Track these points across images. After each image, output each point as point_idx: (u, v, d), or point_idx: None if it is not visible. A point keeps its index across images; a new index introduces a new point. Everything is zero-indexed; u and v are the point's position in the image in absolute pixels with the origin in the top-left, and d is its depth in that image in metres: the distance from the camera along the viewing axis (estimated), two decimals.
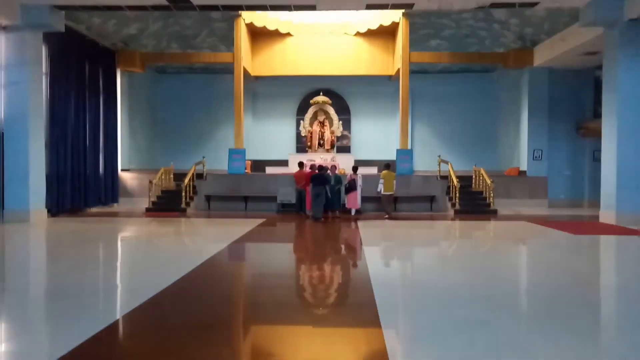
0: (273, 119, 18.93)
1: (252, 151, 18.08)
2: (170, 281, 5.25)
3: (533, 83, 15.35)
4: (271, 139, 18.78)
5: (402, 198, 13.55)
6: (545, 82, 15.32)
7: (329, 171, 12.22)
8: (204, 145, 18.35)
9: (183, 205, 13.47)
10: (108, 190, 14.52)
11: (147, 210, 13.31)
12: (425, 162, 17.70)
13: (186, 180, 13.64)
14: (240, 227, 10.37)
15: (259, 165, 17.57)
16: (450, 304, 4.55)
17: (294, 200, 13.16)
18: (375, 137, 18.63)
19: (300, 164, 13.13)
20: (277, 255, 7.86)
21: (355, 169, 12.68)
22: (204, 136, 18.74)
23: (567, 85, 15.50)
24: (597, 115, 15.06)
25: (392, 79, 17.68)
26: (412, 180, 14.24)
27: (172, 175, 15.04)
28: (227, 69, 16.28)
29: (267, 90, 18.82)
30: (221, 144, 17.87)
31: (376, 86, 18.46)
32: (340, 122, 17.40)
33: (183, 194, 13.51)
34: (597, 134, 14.72)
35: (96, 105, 14.13)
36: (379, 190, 12.19)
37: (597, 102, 15.22)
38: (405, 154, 14.96)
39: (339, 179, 12.24)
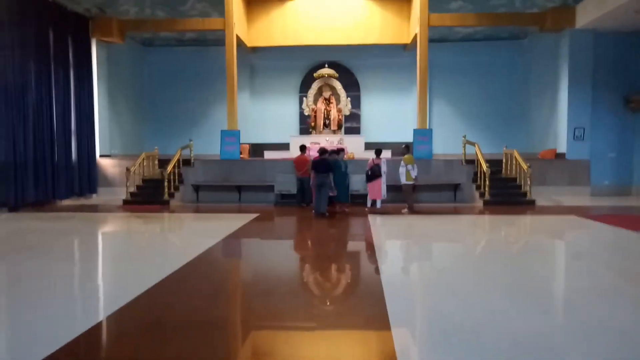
0: (273, 96, 16.89)
1: (250, 134, 16.16)
2: (145, 287, 4.46)
3: (574, 49, 13.01)
4: (271, 120, 16.79)
5: (421, 186, 11.56)
6: (589, 47, 12.95)
7: (336, 155, 10.18)
8: (197, 127, 16.47)
9: (166, 196, 11.61)
10: (84, 179, 12.71)
11: (124, 202, 11.50)
12: (445, 145, 15.57)
13: (169, 168, 11.76)
14: (223, 223, 8.48)
15: (258, 150, 15.64)
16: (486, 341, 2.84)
17: (294, 190, 11.25)
18: (389, 116, 16.51)
19: (302, 148, 11.15)
20: (269, 258, 5.95)
21: (378, 152, 10.52)
22: (196, 117, 16.81)
23: (615, 51, 13.12)
24: None
25: (407, 49, 15.50)
26: (432, 165, 12.23)
27: (156, 162, 13.19)
28: (221, 40, 14.20)
29: (266, 63, 16.77)
30: (217, 126, 15.85)
31: (389, 57, 16.30)
32: (349, 99, 15.32)
33: (165, 183, 11.64)
34: None
35: (65, 81, 12.18)
36: (407, 177, 10.12)
37: None
38: (423, 134, 12.91)
39: (346, 165, 10.27)
